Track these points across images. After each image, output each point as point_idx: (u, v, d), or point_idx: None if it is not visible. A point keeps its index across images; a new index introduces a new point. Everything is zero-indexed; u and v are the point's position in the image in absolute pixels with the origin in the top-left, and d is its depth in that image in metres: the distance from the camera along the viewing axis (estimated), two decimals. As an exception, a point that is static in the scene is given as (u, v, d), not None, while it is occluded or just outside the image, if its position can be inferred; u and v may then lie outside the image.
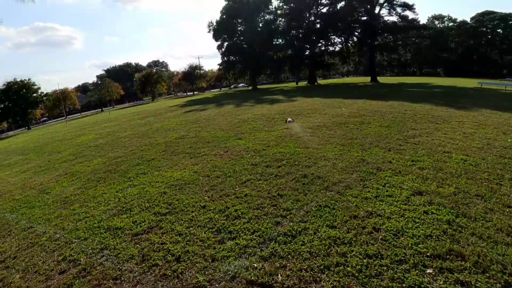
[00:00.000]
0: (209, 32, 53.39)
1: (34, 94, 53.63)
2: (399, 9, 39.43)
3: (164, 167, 6.38)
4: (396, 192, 4.05)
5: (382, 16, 41.17)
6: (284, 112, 12.91)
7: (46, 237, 4.03)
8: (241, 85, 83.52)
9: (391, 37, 41.66)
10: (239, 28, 52.38)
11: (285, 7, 48.83)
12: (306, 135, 7.72)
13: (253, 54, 49.23)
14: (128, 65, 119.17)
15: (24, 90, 51.58)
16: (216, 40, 53.46)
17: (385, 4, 39.84)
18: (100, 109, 71.24)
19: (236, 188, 4.62)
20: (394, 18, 41.05)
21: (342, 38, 45.67)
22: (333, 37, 46.02)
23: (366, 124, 8.53)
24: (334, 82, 49.87)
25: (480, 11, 74.38)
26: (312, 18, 46.74)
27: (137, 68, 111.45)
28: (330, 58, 49.47)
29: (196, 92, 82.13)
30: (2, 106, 50.76)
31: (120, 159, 7.90)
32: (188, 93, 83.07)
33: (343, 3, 42.83)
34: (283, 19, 50.23)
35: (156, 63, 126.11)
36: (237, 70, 55.38)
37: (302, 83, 56.78)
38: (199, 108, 21.49)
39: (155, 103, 49.89)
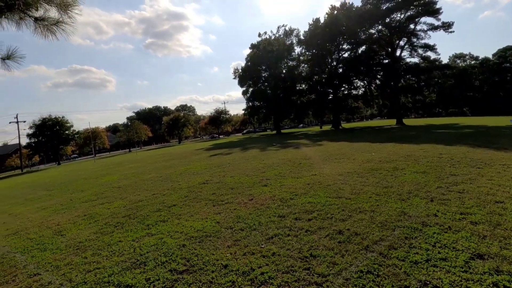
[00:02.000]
0: (235, 78, 55.99)
1: (67, 131, 56.85)
2: (420, 50, 39.78)
3: (185, 215, 6.02)
4: (450, 254, 3.41)
5: (404, 58, 41.60)
6: (310, 157, 12.50)
7: (51, 288, 3.67)
8: (258, 129, 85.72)
9: (414, 78, 41.45)
10: (263, 75, 54.54)
11: (307, 53, 50.67)
12: (336, 183, 7.20)
13: (276, 99, 50.54)
14: (157, 108, 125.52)
15: (57, 127, 54.78)
16: (242, 86, 55.78)
17: (406, 46, 40.33)
18: (128, 150, 73.94)
19: (262, 244, 4.13)
20: (416, 60, 41.31)
21: (365, 81, 46.04)
22: (355, 80, 46.51)
23: (400, 170, 7.91)
24: (359, 126, 49.33)
25: (500, 47, 73.50)
26: (334, 63, 47.89)
27: (166, 111, 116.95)
28: (353, 101, 49.59)
29: (222, 136, 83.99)
30: (36, 140, 53.88)
31: (141, 203, 7.67)
32: (214, 137, 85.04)
33: (364, 47, 43.80)
34: (305, 65, 51.87)
35: (183, 107, 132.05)
36: (262, 115, 56.66)
37: (326, 127, 56.71)
38: (224, 152, 21.53)
39: (181, 146, 51.10)
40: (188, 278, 3.44)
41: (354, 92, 47.69)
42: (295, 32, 51.89)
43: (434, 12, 36.63)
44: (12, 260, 4.93)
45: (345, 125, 62.06)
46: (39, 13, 3.93)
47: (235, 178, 9.37)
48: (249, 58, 54.11)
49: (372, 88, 46.23)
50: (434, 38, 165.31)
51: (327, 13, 45.88)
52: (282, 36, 52.74)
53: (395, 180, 6.92)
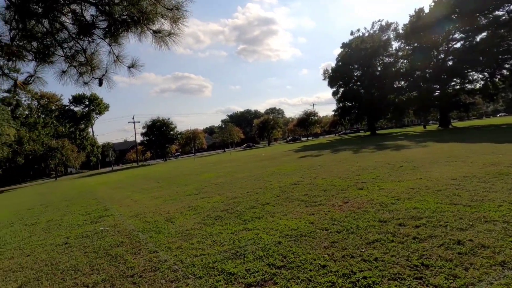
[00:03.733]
0: (324, 79, 55.00)
1: (171, 132, 64.65)
2: None
3: (279, 213, 6.11)
4: None
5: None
6: (413, 159, 11.31)
7: (167, 265, 4.18)
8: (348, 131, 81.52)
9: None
10: (355, 74, 52.03)
11: (407, 48, 46.02)
12: (449, 188, 6.31)
13: (370, 99, 47.56)
14: (248, 111, 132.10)
15: (164, 128, 62.84)
16: (332, 87, 54.40)
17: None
18: (223, 150, 79.58)
19: (362, 248, 3.88)
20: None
21: (485, 73, 39.03)
22: (471, 73, 39.87)
23: (539, 177, 6.48)
24: (475, 124, 42.32)
25: None
26: (442, 55, 42.25)
27: (256, 114, 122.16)
28: (467, 97, 42.58)
29: (310, 138, 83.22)
30: (148, 139, 62.85)
31: (236, 199, 8.12)
32: (302, 139, 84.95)
33: (484, 34, 36.70)
34: (404, 61, 47.26)
35: (272, 110, 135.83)
36: (354, 115, 53.99)
37: (431, 127, 50.59)
38: (313, 153, 21.26)
39: (271, 147, 52.49)
40: (286, 274, 3.47)
41: (468, 86, 41.00)
42: (392, 26, 47.94)
43: None
44: (137, 237, 5.85)
45: (456, 124, 54.27)
46: (155, 27, 4.54)
47: (327, 180, 9.12)
48: (340, 58, 52.35)
49: (496, 80, 39.00)
50: None
51: (434, 1, 40.85)
52: (377, 32, 49.35)
53: (532, 188, 5.69)
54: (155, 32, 4.55)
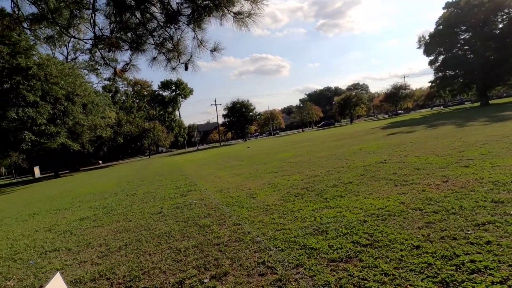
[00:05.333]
0: (419, 48, 49.16)
1: (250, 113, 66.82)
2: None
3: (363, 192, 5.78)
4: None
5: None
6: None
7: (250, 237, 4.36)
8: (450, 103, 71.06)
9: None
10: (461, 37, 44.90)
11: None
12: None
13: (483, 64, 40.58)
14: (328, 89, 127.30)
15: (243, 109, 65.28)
16: (428, 56, 48.38)
17: None
18: (301, 129, 78.98)
19: (468, 230, 3.39)
20: None
21: None
22: None
23: None
24: None
25: None
26: None
27: (336, 91, 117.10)
28: None
29: (401, 112, 76.49)
30: (229, 120, 66.32)
31: (316, 178, 7.96)
32: (390, 115, 78.57)
33: None
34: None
35: (355, 86, 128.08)
36: (457, 85, 47.08)
37: None
38: (404, 130, 19.51)
39: (353, 125, 49.97)
40: (372, 252, 3.26)
41: None
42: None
43: None
44: (221, 210, 6.27)
45: None
46: (236, 9, 4.56)
47: (420, 158, 8.24)
48: (442, 21, 45.79)
49: None
50: None
51: None
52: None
53: None
54: (236, 14, 4.58)
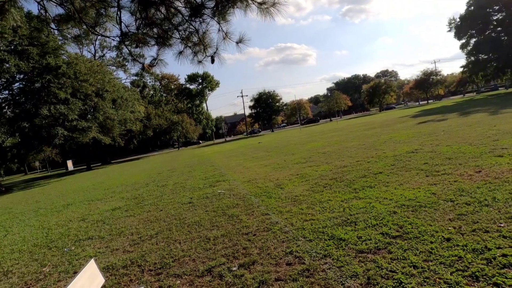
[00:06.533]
0: (449, 31, 46.56)
1: (277, 104, 66.47)
2: None
3: (393, 183, 5.67)
4: None
5: None
6: None
7: (278, 227, 4.45)
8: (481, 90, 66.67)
9: None
10: (494, 18, 42.03)
11: None
12: None
13: None
14: (356, 77, 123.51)
15: (270, 100, 65.06)
16: (459, 39, 45.68)
17: None
18: (329, 119, 77.62)
19: (501, 223, 3.28)
20: None
21: None
22: None
23: None
24: None
25: None
26: None
27: (365, 79, 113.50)
28: None
29: (431, 101, 73.12)
30: (255, 111, 66.39)
31: (345, 168, 7.89)
32: (421, 103, 75.26)
33: None
34: None
35: (384, 73, 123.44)
36: (491, 69, 44.26)
37: None
38: (435, 118, 18.71)
39: (383, 114, 48.43)
40: (402, 244, 3.24)
41: None
42: None
43: None
44: (250, 200, 6.41)
45: None
46: (260, -1, 4.56)
47: (453, 148, 7.92)
48: (473, 1, 42.95)
49: None
50: None
51: None
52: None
53: None
54: (260, 4, 4.58)
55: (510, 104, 19.55)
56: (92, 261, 2.36)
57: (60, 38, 32.90)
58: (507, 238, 2.96)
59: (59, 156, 54.85)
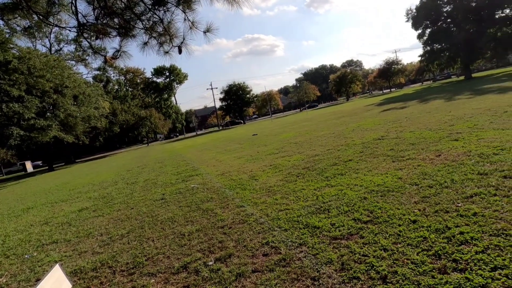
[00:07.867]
0: (407, 21, 48.46)
1: (248, 95, 66.44)
2: None
3: (363, 169, 5.90)
4: None
5: None
6: (525, 103, 9.55)
7: (253, 218, 4.48)
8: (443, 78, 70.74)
9: None
10: (444, 10, 44.30)
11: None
12: None
13: (465, 37, 40.27)
14: (323, 67, 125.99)
15: (240, 92, 64.88)
16: (416, 29, 47.77)
17: None
18: (299, 110, 78.71)
19: (459, 203, 3.53)
20: None
21: None
22: None
23: None
24: None
25: None
26: None
27: (332, 69, 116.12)
28: None
29: (394, 89, 76.35)
30: (226, 103, 65.99)
31: (317, 157, 8.07)
32: (384, 91, 78.40)
33: None
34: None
35: (350, 63, 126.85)
36: (444, 59, 46.83)
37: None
38: (398, 106, 19.59)
39: (350, 103, 49.92)
40: (373, 228, 3.40)
41: None
42: None
43: None
44: (224, 193, 6.38)
45: None
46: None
47: (415, 133, 8.35)
48: (426, -7, 44.94)
49: None
50: None
51: None
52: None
53: None
54: (226, -8, 4.50)
55: (461, 91, 20.87)
56: (57, 266, 2.25)
57: (7, 30, 30.43)
58: (464, 216, 3.21)
59: (16, 158, 51.35)
